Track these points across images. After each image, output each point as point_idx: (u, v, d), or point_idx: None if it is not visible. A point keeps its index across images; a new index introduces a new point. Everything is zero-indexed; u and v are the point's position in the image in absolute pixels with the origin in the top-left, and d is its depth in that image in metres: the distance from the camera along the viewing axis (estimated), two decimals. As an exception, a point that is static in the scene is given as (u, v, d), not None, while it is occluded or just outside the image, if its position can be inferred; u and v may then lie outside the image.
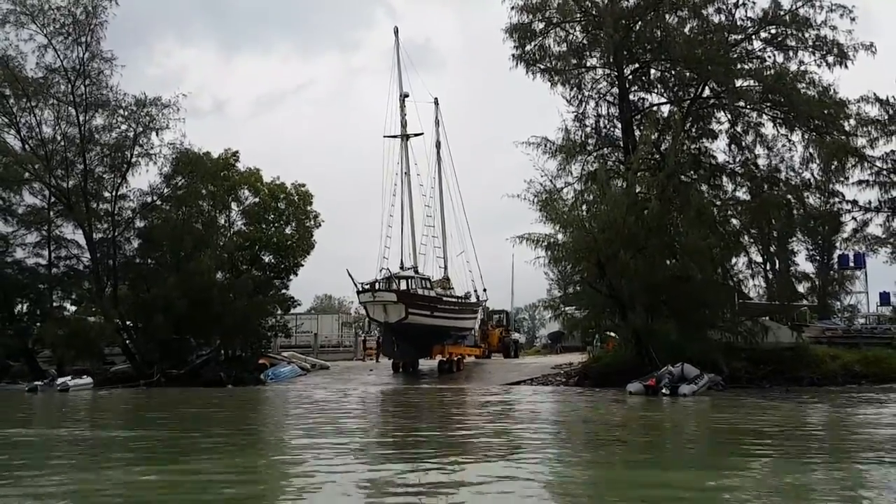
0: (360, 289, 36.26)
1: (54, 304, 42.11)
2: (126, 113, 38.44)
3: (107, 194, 39.68)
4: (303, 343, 50.67)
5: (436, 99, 49.26)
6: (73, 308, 41.05)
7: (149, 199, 40.32)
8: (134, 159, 38.95)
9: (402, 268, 40.74)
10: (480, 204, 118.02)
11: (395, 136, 43.63)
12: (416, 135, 44.63)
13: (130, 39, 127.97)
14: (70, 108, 38.24)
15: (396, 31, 44.93)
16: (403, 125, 43.37)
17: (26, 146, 38.53)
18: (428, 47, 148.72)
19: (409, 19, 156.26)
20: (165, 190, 40.16)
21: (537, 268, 32.54)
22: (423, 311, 37.02)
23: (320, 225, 43.33)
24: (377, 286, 36.63)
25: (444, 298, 41.35)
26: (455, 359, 39.63)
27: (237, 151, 41.42)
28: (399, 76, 43.38)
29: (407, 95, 43.35)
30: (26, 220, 41.11)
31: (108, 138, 39.15)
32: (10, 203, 40.60)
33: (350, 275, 36.37)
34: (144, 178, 40.91)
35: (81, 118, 38.12)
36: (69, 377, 35.66)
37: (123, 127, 38.93)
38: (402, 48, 44.12)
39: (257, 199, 41.57)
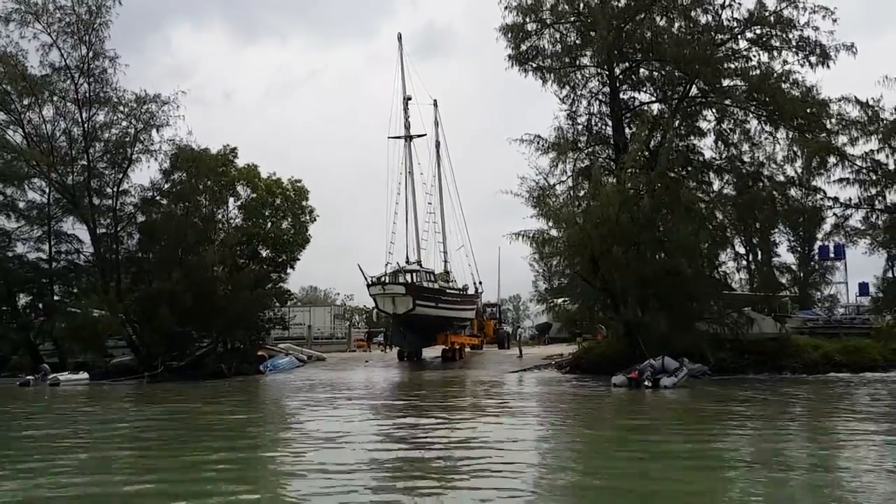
0: (370, 282, 37.78)
1: (56, 297, 42.74)
2: (126, 110, 39.03)
3: (108, 190, 40.33)
4: (296, 335, 51.45)
5: (435, 101, 50.93)
6: (74, 301, 41.44)
7: (150, 195, 40.99)
8: (135, 156, 39.66)
9: (407, 262, 42.25)
10: (485, 188, 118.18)
11: (399, 137, 45.40)
12: (419, 136, 46.61)
13: (145, 27, 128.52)
14: (73, 105, 38.79)
15: (400, 38, 46.55)
16: (407, 127, 45.30)
17: (29, 143, 39.03)
18: (449, 31, 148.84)
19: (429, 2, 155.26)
20: (166, 185, 40.81)
21: (528, 262, 33.75)
22: (428, 302, 38.73)
23: (315, 220, 44.28)
24: (385, 280, 37.99)
25: (447, 290, 43.00)
26: (457, 347, 41.24)
27: (235, 148, 42.13)
28: (402, 80, 45.30)
29: (410, 98, 45.29)
30: (28, 215, 41.71)
31: (109, 135, 39.79)
32: (13, 199, 41.20)
33: (361, 269, 38.07)
34: (146, 173, 41.65)
35: (84, 115, 38.72)
36: (68, 371, 36.43)
37: (124, 124, 39.56)
38: (405, 53, 46.28)
39: (255, 195, 42.23)
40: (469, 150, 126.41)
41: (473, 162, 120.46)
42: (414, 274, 40.96)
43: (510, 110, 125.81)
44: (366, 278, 37.91)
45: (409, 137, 45.46)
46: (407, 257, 43.49)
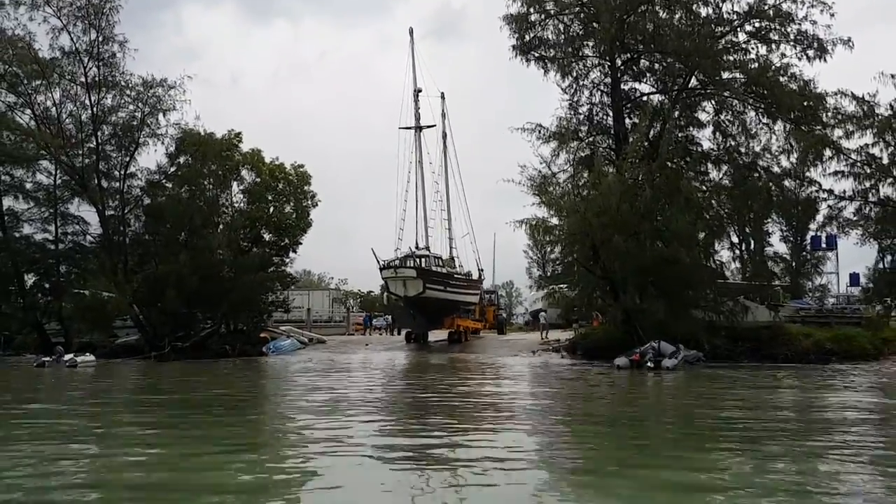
0: (383, 265, 39.25)
1: (62, 278, 43.30)
2: (133, 94, 39.48)
3: (116, 173, 40.85)
4: (294, 318, 52.18)
5: (442, 93, 53.26)
6: (82, 282, 42.05)
7: (156, 178, 41.52)
8: (142, 139, 40.15)
9: (416, 247, 43.46)
10: (488, 174, 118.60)
11: (409, 128, 47.51)
12: (428, 126, 48.89)
13: (157, 4, 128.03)
14: (82, 89, 39.09)
15: (411, 32, 47.71)
16: (417, 118, 47.34)
17: (39, 125, 39.43)
18: (464, 13, 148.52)
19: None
20: (171, 169, 41.32)
21: (523, 249, 34.43)
22: (437, 286, 40.39)
23: (317, 205, 44.94)
24: (397, 263, 39.75)
25: (455, 275, 44.50)
26: (462, 330, 42.51)
27: (240, 133, 42.65)
28: (413, 73, 47.14)
29: (420, 91, 47.26)
30: (36, 196, 42.22)
31: (116, 118, 40.22)
32: (21, 181, 41.71)
33: (374, 253, 39.81)
34: (152, 157, 42.23)
35: (93, 99, 39.07)
36: (73, 353, 36.97)
37: (131, 108, 40.03)
38: (416, 47, 48.04)
39: (258, 179, 42.75)
40: (476, 136, 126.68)
41: (479, 147, 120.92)
42: (423, 259, 42.33)
43: (519, 96, 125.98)
44: (378, 262, 39.39)
45: (419, 128, 46.95)
46: (416, 243, 45.32)
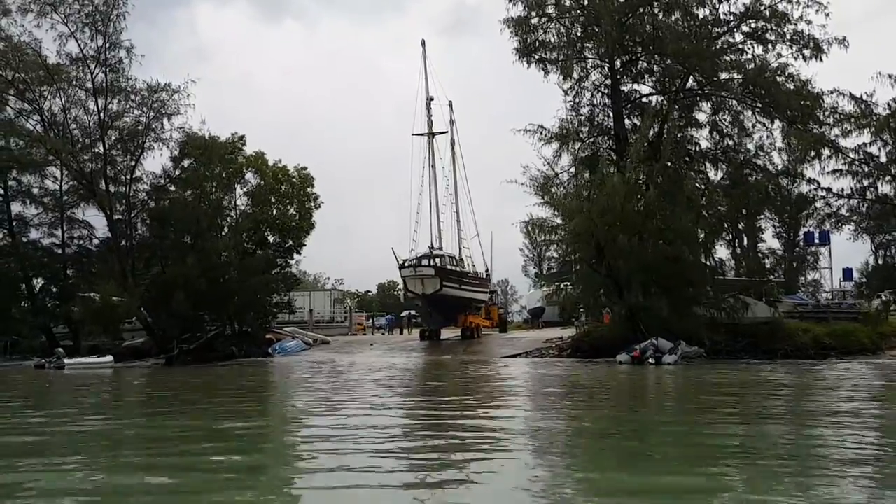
0: (402, 264, 40.80)
1: (70, 282, 43.65)
2: (138, 99, 39.72)
3: (122, 177, 41.06)
4: (297, 319, 52.54)
5: (450, 102, 54.81)
6: (91, 286, 42.36)
7: (161, 182, 41.84)
8: (147, 144, 40.41)
9: (431, 248, 44.82)
10: (492, 172, 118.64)
11: (422, 134, 49.32)
12: (440, 133, 50.89)
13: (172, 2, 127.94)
14: (89, 94, 39.41)
15: (423, 44, 48.78)
16: (430, 125, 49.17)
17: (48, 131, 39.80)
18: (479, 10, 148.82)
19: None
20: (176, 173, 41.63)
21: (518, 248, 35.11)
22: (453, 283, 41.83)
23: (320, 206, 45.42)
24: (415, 262, 41.30)
25: (468, 274, 46.02)
26: (474, 327, 43.79)
27: (243, 136, 42.93)
28: (426, 83, 48.95)
29: (432, 99, 49.13)
30: (43, 201, 42.57)
31: (122, 123, 40.45)
32: (30, 186, 42.06)
33: (394, 253, 41.38)
34: (158, 161, 42.54)
35: (100, 104, 39.30)
36: (97, 355, 37.18)
37: (136, 112, 40.25)
38: (428, 59, 49.77)
39: (262, 182, 43.16)
40: (485, 134, 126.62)
41: (488, 143, 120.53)
42: (440, 258, 43.66)
43: (528, 93, 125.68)
44: (398, 261, 40.87)
45: (431, 134, 48.86)
46: (431, 243, 46.63)
